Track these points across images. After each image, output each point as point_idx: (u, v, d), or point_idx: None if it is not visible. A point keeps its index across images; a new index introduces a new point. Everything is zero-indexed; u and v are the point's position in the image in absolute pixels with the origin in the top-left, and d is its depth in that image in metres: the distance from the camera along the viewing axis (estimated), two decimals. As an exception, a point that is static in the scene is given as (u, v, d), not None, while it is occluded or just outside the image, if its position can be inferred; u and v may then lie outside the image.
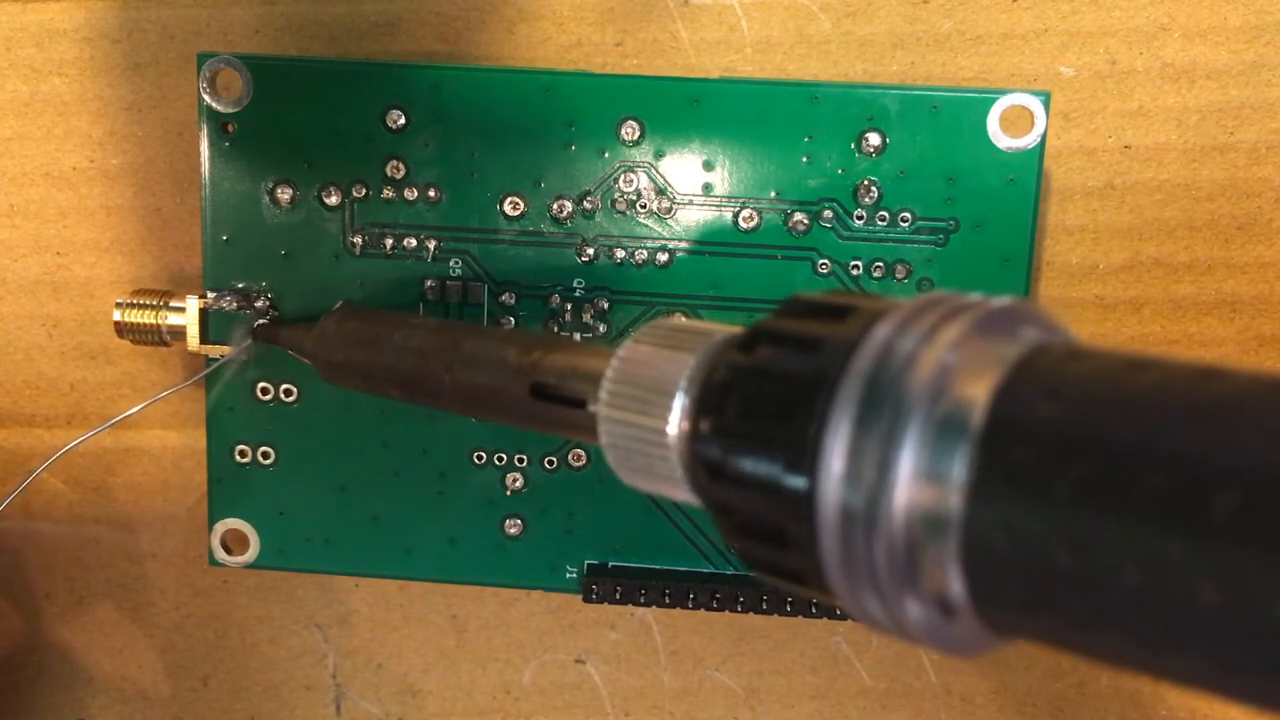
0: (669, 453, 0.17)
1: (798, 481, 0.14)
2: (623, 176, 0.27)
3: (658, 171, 0.27)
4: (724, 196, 0.27)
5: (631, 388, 0.17)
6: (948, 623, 0.13)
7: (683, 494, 0.17)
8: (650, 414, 0.17)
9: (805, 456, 0.14)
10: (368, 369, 0.24)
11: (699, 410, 0.16)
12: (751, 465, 0.15)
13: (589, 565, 0.29)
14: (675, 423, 0.16)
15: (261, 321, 0.28)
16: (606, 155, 0.27)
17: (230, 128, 0.27)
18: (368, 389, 0.25)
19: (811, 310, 0.15)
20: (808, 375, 0.14)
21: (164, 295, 0.28)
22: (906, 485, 0.13)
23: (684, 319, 0.19)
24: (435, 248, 0.28)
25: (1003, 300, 0.14)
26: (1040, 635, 0.12)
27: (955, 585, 0.13)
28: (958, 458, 0.12)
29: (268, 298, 0.28)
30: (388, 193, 0.28)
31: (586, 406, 0.19)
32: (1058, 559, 0.11)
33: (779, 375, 0.15)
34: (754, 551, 0.15)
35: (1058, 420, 0.12)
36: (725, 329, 0.17)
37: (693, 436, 0.16)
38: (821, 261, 0.27)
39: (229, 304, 0.28)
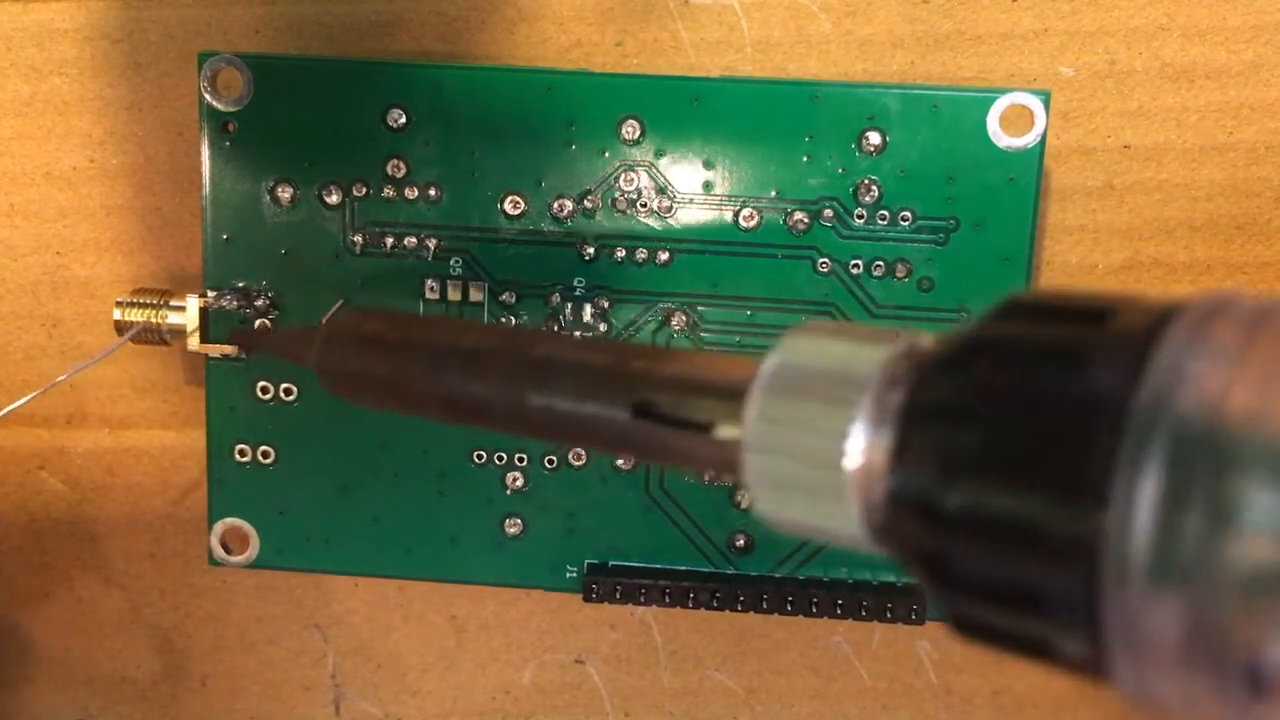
0: (844, 490, 0.14)
1: (1077, 529, 0.11)
2: (623, 175, 0.27)
3: (658, 170, 0.27)
4: (724, 195, 0.27)
5: (793, 410, 0.14)
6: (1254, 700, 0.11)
7: (849, 537, 0.14)
8: (822, 443, 0.14)
9: (1088, 500, 0.11)
10: (397, 384, 0.20)
11: (906, 440, 0.13)
12: (998, 507, 0.12)
13: (589, 565, 0.29)
14: (856, 453, 0.14)
15: (263, 322, 0.28)
16: (607, 154, 0.27)
17: (231, 127, 0.27)
18: (394, 407, 0.20)
19: (1050, 315, 0.13)
20: (1076, 398, 0.12)
21: (164, 294, 0.28)
22: (1246, 540, 0.11)
23: (831, 326, 0.16)
24: (436, 247, 0.28)
25: None
26: None
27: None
28: None
29: (268, 296, 0.28)
30: (388, 192, 0.28)
31: (713, 431, 0.16)
32: None
33: (1033, 398, 0.12)
34: (982, 614, 0.13)
35: None
36: (892, 337, 0.15)
37: (895, 471, 0.13)
38: (822, 260, 0.27)
39: (229, 303, 0.28)
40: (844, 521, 0.14)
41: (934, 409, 0.13)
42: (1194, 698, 0.11)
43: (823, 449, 0.14)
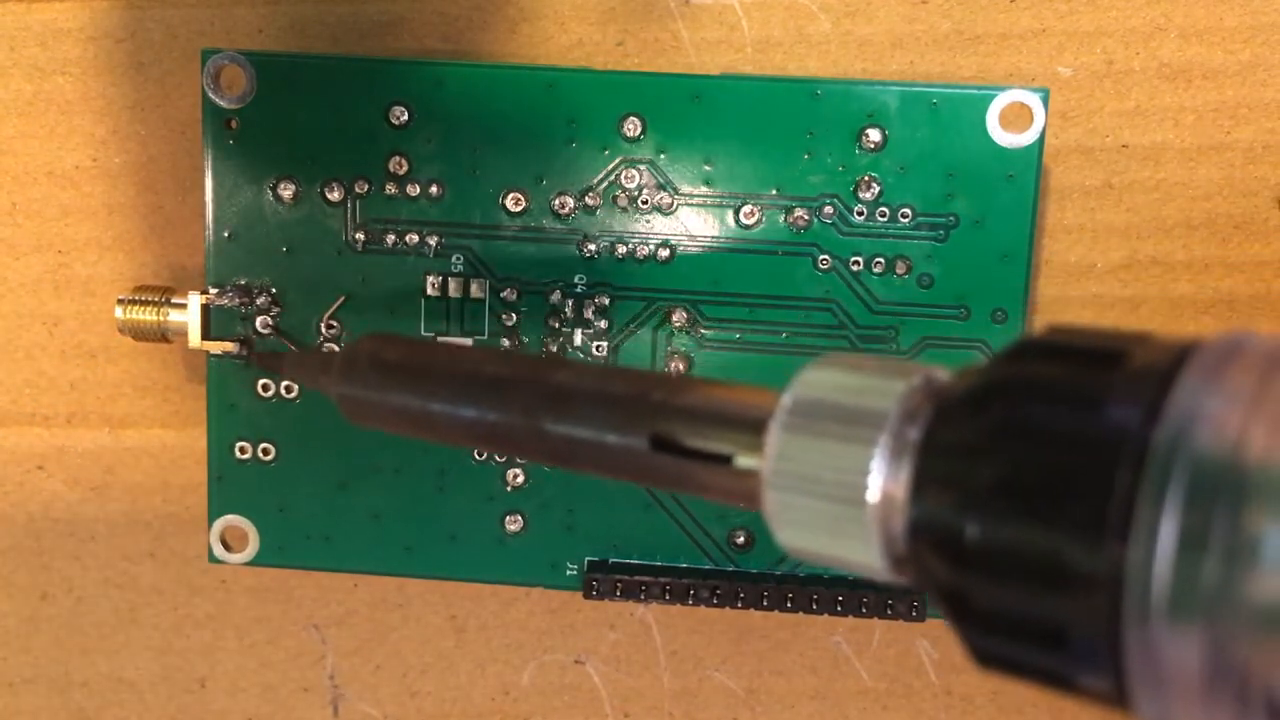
0: (866, 525, 0.14)
1: (1098, 565, 0.12)
2: (624, 173, 0.27)
3: (659, 168, 0.27)
4: (725, 193, 0.27)
5: (813, 445, 0.14)
6: None
7: (870, 568, 0.14)
8: (843, 477, 0.14)
9: (1109, 536, 0.11)
10: (418, 412, 0.20)
11: (925, 474, 0.14)
12: (1016, 542, 0.12)
13: (589, 562, 0.29)
14: (877, 487, 0.14)
15: (256, 332, 0.28)
16: (608, 152, 0.27)
17: (233, 124, 0.28)
18: (413, 433, 0.20)
19: (1066, 355, 0.13)
20: (1094, 437, 0.12)
21: (166, 292, 0.28)
22: (1264, 576, 0.11)
23: (849, 359, 0.16)
24: (437, 243, 0.28)
25: None
26: None
27: None
28: None
29: (270, 294, 0.28)
30: (390, 189, 0.28)
31: (733, 462, 0.16)
32: None
33: (1052, 437, 0.12)
34: (1001, 648, 0.13)
35: None
36: (908, 370, 0.15)
37: (915, 507, 0.14)
38: (822, 257, 0.27)
39: (231, 300, 0.28)
40: (865, 553, 0.14)
41: (952, 445, 0.13)
42: None
43: (843, 483, 0.14)
